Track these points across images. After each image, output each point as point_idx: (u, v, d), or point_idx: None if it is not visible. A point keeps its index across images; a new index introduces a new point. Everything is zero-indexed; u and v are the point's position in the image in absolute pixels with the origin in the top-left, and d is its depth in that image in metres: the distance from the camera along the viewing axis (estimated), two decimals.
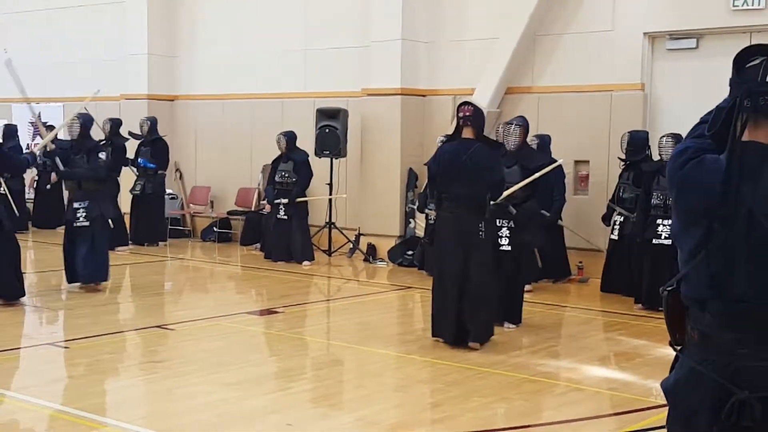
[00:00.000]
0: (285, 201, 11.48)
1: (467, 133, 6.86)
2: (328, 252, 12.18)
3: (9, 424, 4.92)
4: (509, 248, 7.63)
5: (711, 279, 2.26)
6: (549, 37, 11.08)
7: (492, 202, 7.06)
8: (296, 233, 11.55)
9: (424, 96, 11.84)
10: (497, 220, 7.55)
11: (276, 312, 8.42)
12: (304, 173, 11.62)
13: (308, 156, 11.72)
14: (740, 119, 2.20)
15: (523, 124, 8.14)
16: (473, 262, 6.77)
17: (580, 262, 10.51)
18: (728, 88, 2.28)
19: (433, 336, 7.02)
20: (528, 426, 5.07)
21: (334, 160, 12.02)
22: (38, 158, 14.23)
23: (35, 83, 15.89)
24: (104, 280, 9.34)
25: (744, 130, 2.20)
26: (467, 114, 6.85)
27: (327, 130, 11.92)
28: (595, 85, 10.59)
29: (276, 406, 5.36)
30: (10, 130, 14.36)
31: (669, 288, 2.41)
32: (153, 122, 12.94)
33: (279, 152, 11.74)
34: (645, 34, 10.38)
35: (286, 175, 11.61)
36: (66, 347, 6.79)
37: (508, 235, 7.64)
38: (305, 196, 11.74)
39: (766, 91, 2.19)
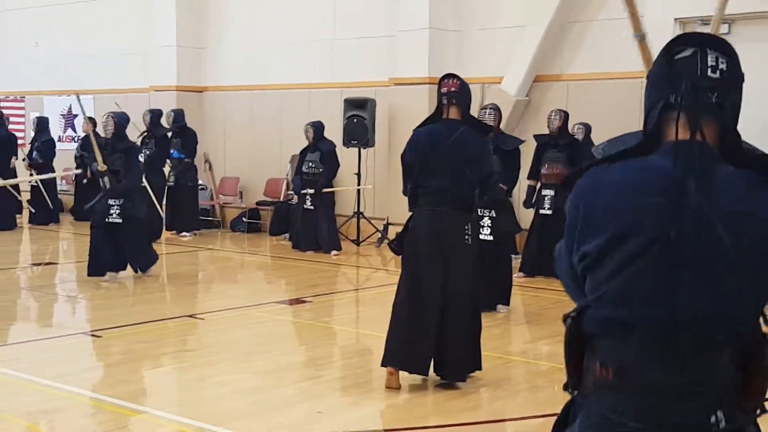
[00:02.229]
0: (311, 191, 11.52)
1: (452, 113, 5.44)
2: (357, 241, 12.20)
3: (45, 411, 5.00)
4: (491, 238, 7.57)
5: (646, 297, 1.86)
6: (578, 24, 11.00)
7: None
8: (322, 223, 11.58)
9: None
10: (478, 210, 7.31)
11: (305, 301, 8.46)
12: (331, 163, 11.64)
13: (335, 146, 11.74)
14: (678, 118, 1.92)
15: (497, 109, 8.03)
16: (456, 273, 5.42)
17: None
18: (663, 81, 1.98)
19: (386, 365, 5.46)
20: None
21: (362, 150, 12.03)
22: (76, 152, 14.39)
23: (66, 76, 16.10)
24: (145, 267, 9.43)
25: (679, 129, 1.93)
26: (453, 90, 5.40)
27: (355, 120, 11.93)
28: (625, 72, 10.48)
29: (306, 395, 5.38)
30: (43, 123, 14.51)
31: (573, 314, 1.97)
32: (177, 113, 13.00)
33: (306, 142, 11.78)
34: (676, 19, 10.26)
35: (313, 165, 11.64)
36: (99, 336, 6.87)
37: (489, 224, 7.60)
38: (332, 187, 11.77)
39: (708, 87, 1.93)
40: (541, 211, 9.66)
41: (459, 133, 5.39)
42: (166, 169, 12.93)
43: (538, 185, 9.82)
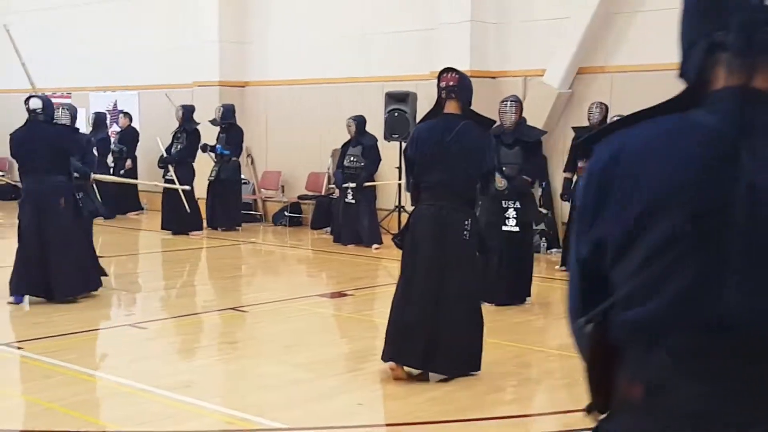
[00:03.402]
0: (353, 185, 11.55)
1: (451, 107, 5.45)
2: None
3: (91, 401, 5.09)
4: (517, 229, 7.69)
5: (680, 294, 1.41)
6: (623, 15, 10.86)
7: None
8: (364, 217, 11.61)
9: (494, 78, 11.74)
10: (503, 202, 7.62)
11: (346, 295, 8.49)
12: (373, 158, 11.66)
13: (377, 140, 11.75)
14: (728, 62, 1.46)
15: (518, 101, 8.00)
16: (453, 269, 5.40)
17: None
18: (704, 12, 1.54)
19: (387, 360, 5.47)
20: None
21: (403, 143, 12.01)
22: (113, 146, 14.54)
23: (110, 71, 16.33)
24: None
25: (729, 76, 1.46)
26: (451, 84, 5.42)
27: (396, 114, 11.92)
28: (672, 63, 10.23)
29: (348, 387, 5.41)
30: (100, 119, 14.63)
31: (592, 319, 1.53)
32: (226, 109, 13.13)
33: (348, 137, 11.81)
34: None
35: (355, 159, 11.67)
36: (145, 328, 6.96)
37: (515, 216, 7.70)
38: (373, 181, 11.78)
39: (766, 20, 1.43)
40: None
41: (459, 128, 5.38)
42: (210, 165, 13.04)
43: (575, 177, 9.79)
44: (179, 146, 12.67)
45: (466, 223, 5.43)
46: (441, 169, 5.40)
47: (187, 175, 12.53)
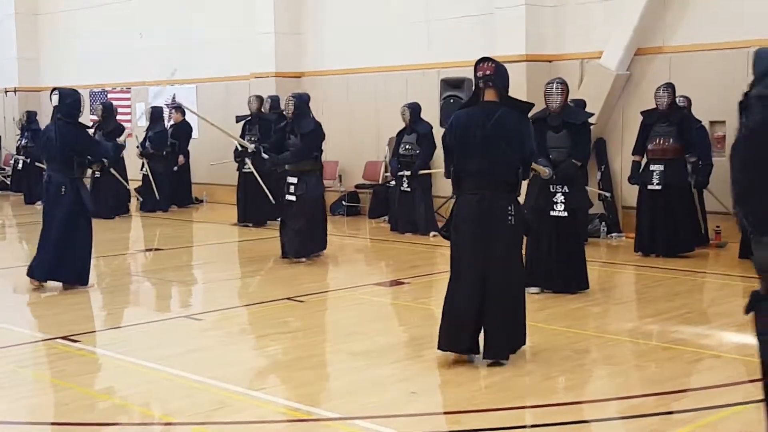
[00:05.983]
0: (408, 173, 11.51)
1: (489, 95, 5.54)
2: None
3: (148, 392, 5.16)
4: (565, 214, 7.53)
5: None
6: None
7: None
8: (420, 205, 11.57)
9: (550, 62, 11.58)
10: (551, 186, 7.49)
11: (403, 283, 8.47)
12: (427, 145, 11.59)
13: (432, 128, 11.69)
14: None
15: (564, 83, 7.75)
16: (497, 255, 5.45)
17: (718, 227, 10.11)
18: None
19: (441, 348, 5.60)
20: (662, 393, 4.90)
21: None
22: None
23: (168, 65, 16.50)
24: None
25: None
26: (488, 73, 5.51)
27: (452, 101, 11.85)
28: (731, 42, 10.07)
29: (404, 375, 5.39)
30: (157, 113, 14.83)
31: None
32: (273, 99, 13.14)
33: (403, 124, 11.77)
34: None
35: (410, 147, 11.63)
36: (201, 320, 7.04)
37: (563, 200, 7.54)
38: (429, 168, 11.72)
39: None
40: (650, 187, 9.46)
41: (498, 115, 5.46)
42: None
43: (644, 161, 9.62)
44: (253, 138, 12.37)
45: (510, 208, 5.48)
46: (482, 156, 5.46)
47: (263, 165, 12.40)
